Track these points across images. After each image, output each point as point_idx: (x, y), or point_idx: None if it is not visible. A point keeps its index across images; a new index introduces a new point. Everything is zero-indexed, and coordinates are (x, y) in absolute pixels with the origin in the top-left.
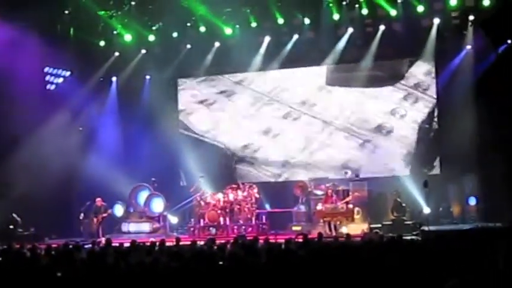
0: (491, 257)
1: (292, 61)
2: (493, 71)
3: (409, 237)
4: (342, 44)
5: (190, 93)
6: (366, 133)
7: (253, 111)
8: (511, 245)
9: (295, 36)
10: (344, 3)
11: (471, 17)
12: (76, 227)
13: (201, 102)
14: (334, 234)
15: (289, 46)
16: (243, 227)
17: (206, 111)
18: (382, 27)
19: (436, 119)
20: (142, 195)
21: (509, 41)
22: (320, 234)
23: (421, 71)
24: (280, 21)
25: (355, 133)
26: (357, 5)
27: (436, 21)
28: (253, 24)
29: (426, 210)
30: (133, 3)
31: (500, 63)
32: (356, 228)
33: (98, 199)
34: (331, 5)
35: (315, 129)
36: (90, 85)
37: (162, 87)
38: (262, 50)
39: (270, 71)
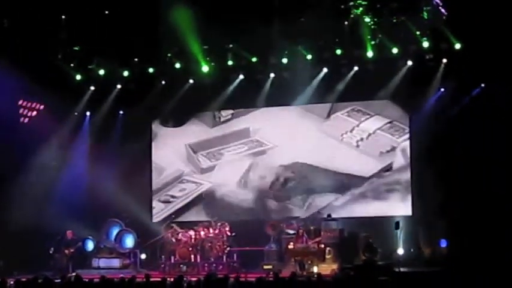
0: None
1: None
2: (466, 114)
3: (379, 278)
4: (315, 83)
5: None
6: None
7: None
8: None
9: (272, 75)
10: (319, 43)
11: (444, 60)
12: (45, 262)
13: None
14: (305, 273)
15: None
16: (214, 265)
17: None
18: (355, 68)
19: (409, 161)
20: (114, 231)
21: (482, 85)
22: (293, 273)
23: (393, 112)
24: (255, 59)
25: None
26: (332, 46)
27: (409, 63)
28: (230, 62)
29: (400, 251)
30: (109, 38)
31: (474, 106)
32: (327, 268)
33: (69, 231)
34: (306, 44)
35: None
36: (64, 119)
37: (135, 123)
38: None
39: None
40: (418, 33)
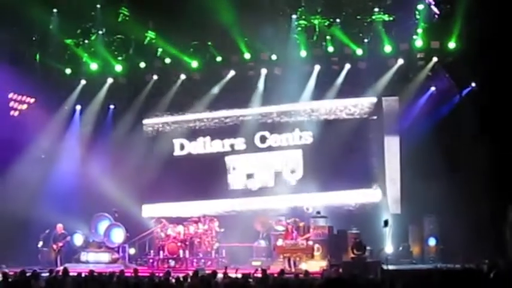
0: None
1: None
2: (456, 113)
3: (367, 276)
4: (312, 81)
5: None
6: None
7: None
8: None
9: (264, 71)
10: (311, 40)
11: (435, 59)
12: (34, 255)
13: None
14: (293, 270)
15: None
16: (203, 260)
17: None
18: (347, 66)
19: (398, 158)
20: (103, 225)
21: (473, 84)
22: (282, 270)
23: (384, 110)
24: (247, 56)
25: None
26: (323, 43)
27: (400, 61)
28: (219, 58)
29: (389, 249)
30: (100, 32)
31: (464, 105)
32: (315, 265)
33: (59, 225)
34: (298, 41)
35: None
36: (55, 113)
37: (126, 116)
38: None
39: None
40: (410, 31)
